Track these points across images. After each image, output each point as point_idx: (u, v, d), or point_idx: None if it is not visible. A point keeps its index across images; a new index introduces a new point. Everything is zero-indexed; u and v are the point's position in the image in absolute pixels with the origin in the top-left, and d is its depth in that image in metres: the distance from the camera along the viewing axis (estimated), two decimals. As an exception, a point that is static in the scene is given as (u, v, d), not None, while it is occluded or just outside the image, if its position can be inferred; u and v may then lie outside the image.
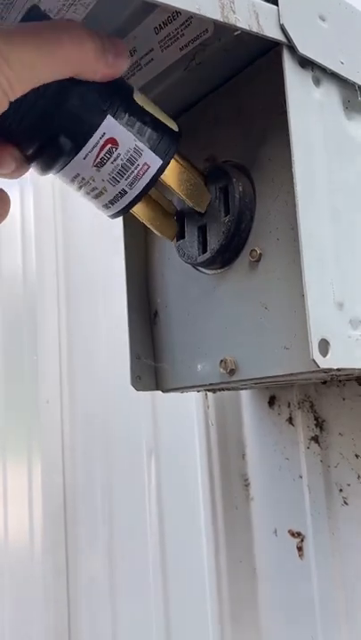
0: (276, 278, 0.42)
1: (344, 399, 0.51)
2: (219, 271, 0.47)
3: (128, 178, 0.37)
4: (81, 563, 0.84)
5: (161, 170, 0.38)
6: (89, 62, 0.34)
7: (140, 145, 0.37)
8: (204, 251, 0.46)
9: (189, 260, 0.47)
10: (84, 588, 0.83)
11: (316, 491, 0.53)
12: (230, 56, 0.44)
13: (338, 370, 0.38)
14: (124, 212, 0.40)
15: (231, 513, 0.60)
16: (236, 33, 0.37)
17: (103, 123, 0.36)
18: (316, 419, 0.53)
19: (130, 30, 0.48)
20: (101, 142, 0.36)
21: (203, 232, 0.46)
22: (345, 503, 0.50)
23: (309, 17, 0.41)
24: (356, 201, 0.42)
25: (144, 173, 0.38)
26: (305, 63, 0.40)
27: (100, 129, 0.36)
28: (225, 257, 0.45)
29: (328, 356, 0.37)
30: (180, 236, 0.48)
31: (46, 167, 0.38)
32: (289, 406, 0.55)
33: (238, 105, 0.46)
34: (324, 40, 0.42)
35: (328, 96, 0.42)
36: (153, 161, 0.38)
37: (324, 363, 0.37)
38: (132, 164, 0.37)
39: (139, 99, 0.38)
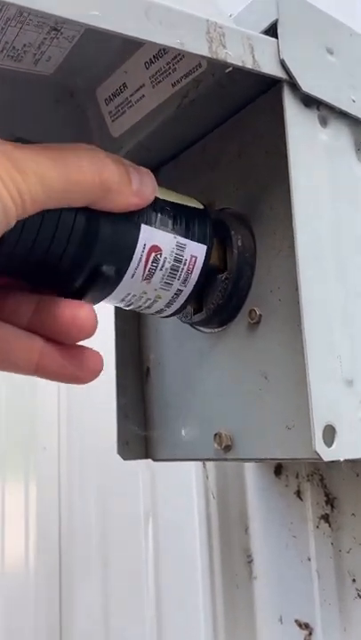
0: (278, 344, 0.36)
1: (358, 475, 0.45)
2: (216, 330, 0.42)
3: (180, 277, 0.35)
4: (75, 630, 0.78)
5: (208, 254, 0.36)
6: (111, 189, 0.30)
7: (181, 240, 0.35)
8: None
9: (184, 319, 0.42)
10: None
11: (326, 577, 0.46)
12: (227, 93, 0.39)
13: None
14: (182, 310, 0.38)
15: (232, 592, 0.54)
16: (227, 70, 0.32)
17: (140, 235, 0.33)
18: (326, 495, 0.47)
19: (119, 64, 0.43)
20: (145, 255, 0.33)
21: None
22: (359, 596, 0.44)
23: (315, 50, 0.36)
24: (368, 257, 0.37)
25: (194, 265, 0.36)
26: (309, 102, 0.36)
27: (139, 243, 0.33)
28: (222, 317, 0.40)
29: (334, 446, 0.31)
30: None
31: (93, 301, 0.34)
32: (297, 477, 0.49)
33: (238, 147, 0.41)
34: (333, 76, 0.37)
35: (337, 137, 0.37)
36: (198, 250, 0.36)
37: (329, 454, 0.31)
38: (180, 262, 0.35)
39: (159, 192, 0.35)
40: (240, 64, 0.32)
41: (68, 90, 0.46)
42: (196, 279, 0.36)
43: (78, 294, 0.33)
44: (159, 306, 0.36)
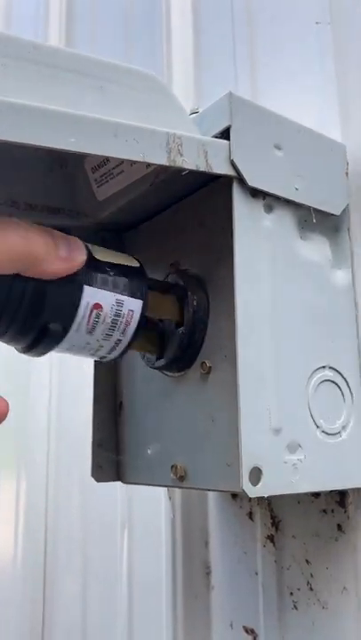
0: (222, 394, 0.43)
1: (299, 502, 0.51)
2: (176, 375, 0.49)
3: (119, 329, 0.40)
4: (56, 622, 0.84)
5: (144, 308, 0.41)
6: (37, 257, 0.34)
7: (119, 297, 0.40)
8: (162, 355, 0.48)
9: (148, 364, 0.49)
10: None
11: (269, 590, 0.53)
12: (193, 176, 0.46)
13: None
14: (122, 356, 0.43)
15: (191, 599, 0.61)
16: (183, 173, 0.39)
17: (83, 295, 0.38)
18: (272, 517, 0.54)
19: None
20: (87, 312, 0.38)
21: (161, 337, 0.48)
22: (295, 607, 0.51)
23: (264, 147, 0.43)
24: (304, 323, 0.43)
25: (131, 318, 0.41)
26: (256, 193, 0.42)
27: (82, 302, 0.38)
28: (179, 365, 0.47)
29: (259, 485, 0.38)
30: (143, 337, 0.50)
31: (39, 355, 0.40)
32: (250, 501, 0.56)
33: (201, 218, 0.48)
34: (278, 169, 0.44)
35: (280, 222, 0.44)
36: (135, 304, 0.41)
37: (255, 491, 0.38)
38: (119, 316, 0.40)
39: (99, 254, 0.40)
40: (194, 168, 0.39)
41: (60, 160, 0.53)
42: (134, 329, 0.41)
43: (28, 349, 0.39)
44: (101, 353, 0.42)
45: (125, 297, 0.40)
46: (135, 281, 0.41)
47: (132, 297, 0.41)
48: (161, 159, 0.37)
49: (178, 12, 0.72)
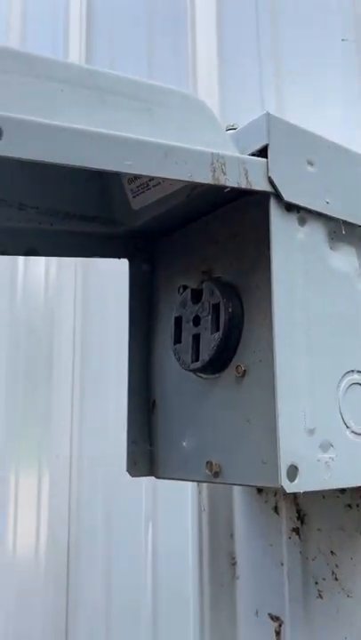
0: (258, 396, 0.46)
1: (324, 497, 0.54)
2: (211, 377, 0.51)
3: None
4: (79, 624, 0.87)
5: None
6: None
7: None
8: (197, 358, 0.51)
9: (183, 366, 0.52)
10: None
11: (294, 580, 0.56)
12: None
13: (307, 489, 0.42)
14: None
15: (217, 589, 0.64)
16: (226, 190, 0.42)
17: None
18: (298, 511, 0.56)
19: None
20: None
21: (196, 341, 0.51)
22: (320, 596, 0.54)
23: (298, 164, 0.46)
24: (334, 330, 0.46)
25: None
26: (291, 207, 0.45)
27: None
28: (215, 367, 0.50)
29: (296, 481, 0.41)
30: (177, 339, 0.53)
31: None
32: (275, 495, 0.59)
33: (234, 230, 0.51)
34: (311, 184, 0.46)
35: (312, 234, 0.46)
36: None
37: (292, 488, 0.41)
38: None
39: None
40: (236, 185, 0.41)
41: (98, 171, 0.56)
42: None
43: None
44: None
45: None
46: None
47: None
48: (206, 178, 0.40)
49: (203, 26, 0.74)
